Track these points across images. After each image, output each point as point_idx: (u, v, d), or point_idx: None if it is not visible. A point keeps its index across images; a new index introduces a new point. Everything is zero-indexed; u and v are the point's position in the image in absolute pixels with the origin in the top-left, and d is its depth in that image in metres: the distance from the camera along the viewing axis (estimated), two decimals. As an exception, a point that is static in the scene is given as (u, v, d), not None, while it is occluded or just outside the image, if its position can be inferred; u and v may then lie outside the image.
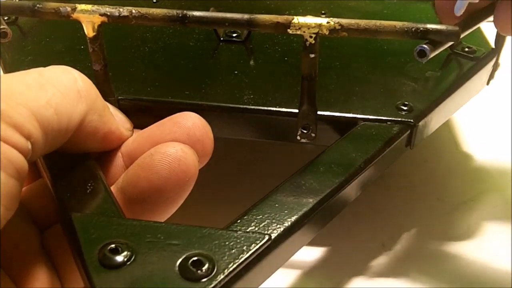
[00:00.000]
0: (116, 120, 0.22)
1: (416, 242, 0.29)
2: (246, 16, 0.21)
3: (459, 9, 0.24)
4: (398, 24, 0.21)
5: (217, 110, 0.25)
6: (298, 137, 0.24)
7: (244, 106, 0.25)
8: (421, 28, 0.20)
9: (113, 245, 0.17)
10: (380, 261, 0.28)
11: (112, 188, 0.21)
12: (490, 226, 0.30)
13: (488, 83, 0.30)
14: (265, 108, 0.25)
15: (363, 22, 0.21)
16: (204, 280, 0.16)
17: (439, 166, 0.29)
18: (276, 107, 0.25)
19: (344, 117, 0.24)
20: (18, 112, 0.17)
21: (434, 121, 0.26)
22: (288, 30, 0.21)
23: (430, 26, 0.20)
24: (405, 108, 0.25)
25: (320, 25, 0.21)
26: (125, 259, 0.17)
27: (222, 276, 0.16)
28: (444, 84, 0.26)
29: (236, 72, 0.28)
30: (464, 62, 0.28)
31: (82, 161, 0.21)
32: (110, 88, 0.24)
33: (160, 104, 0.26)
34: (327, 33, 0.21)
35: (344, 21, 0.21)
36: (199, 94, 0.26)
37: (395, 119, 0.24)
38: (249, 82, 0.27)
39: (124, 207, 0.21)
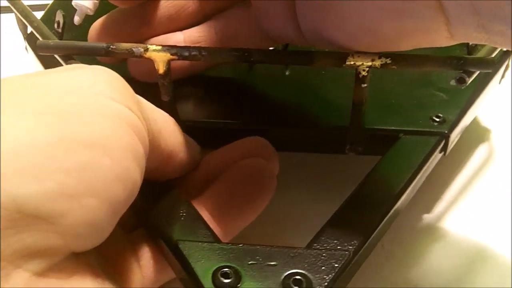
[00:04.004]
0: (188, 148, 0.25)
1: (416, 242, 0.29)
2: (306, 54, 0.24)
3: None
4: (441, 57, 0.24)
5: (272, 131, 0.28)
6: (347, 151, 0.27)
7: (297, 125, 0.28)
8: (462, 61, 0.24)
9: (225, 269, 0.20)
10: (380, 261, 0.28)
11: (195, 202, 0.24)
12: (491, 226, 0.30)
13: (500, 82, 0.33)
14: (317, 125, 0.28)
15: (410, 57, 0.24)
16: (306, 296, 0.20)
17: (439, 166, 0.29)
18: (326, 124, 0.28)
19: (386, 130, 0.28)
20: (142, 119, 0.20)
21: (461, 127, 0.29)
22: (344, 65, 0.24)
23: (469, 57, 0.24)
24: (438, 120, 0.28)
25: (373, 60, 0.24)
26: (237, 282, 0.20)
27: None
28: (467, 93, 0.29)
29: (276, 88, 0.30)
30: None
31: (167, 189, 0.24)
32: (177, 115, 0.27)
33: (219, 125, 0.28)
34: (379, 66, 0.24)
35: (394, 56, 0.24)
36: (251, 116, 0.29)
37: (431, 130, 0.27)
38: (291, 100, 0.29)
39: (212, 214, 0.24)
